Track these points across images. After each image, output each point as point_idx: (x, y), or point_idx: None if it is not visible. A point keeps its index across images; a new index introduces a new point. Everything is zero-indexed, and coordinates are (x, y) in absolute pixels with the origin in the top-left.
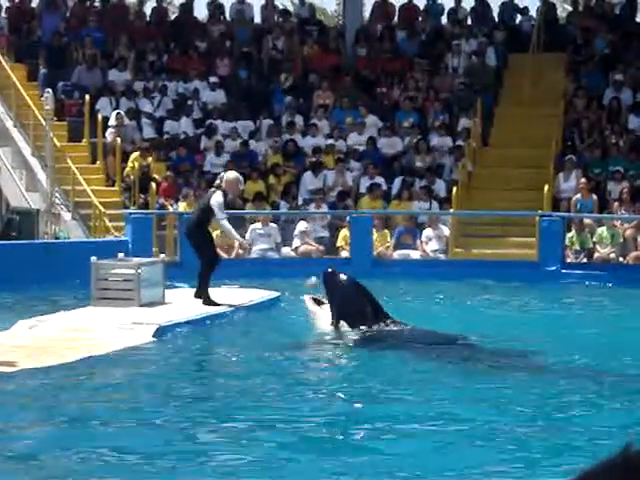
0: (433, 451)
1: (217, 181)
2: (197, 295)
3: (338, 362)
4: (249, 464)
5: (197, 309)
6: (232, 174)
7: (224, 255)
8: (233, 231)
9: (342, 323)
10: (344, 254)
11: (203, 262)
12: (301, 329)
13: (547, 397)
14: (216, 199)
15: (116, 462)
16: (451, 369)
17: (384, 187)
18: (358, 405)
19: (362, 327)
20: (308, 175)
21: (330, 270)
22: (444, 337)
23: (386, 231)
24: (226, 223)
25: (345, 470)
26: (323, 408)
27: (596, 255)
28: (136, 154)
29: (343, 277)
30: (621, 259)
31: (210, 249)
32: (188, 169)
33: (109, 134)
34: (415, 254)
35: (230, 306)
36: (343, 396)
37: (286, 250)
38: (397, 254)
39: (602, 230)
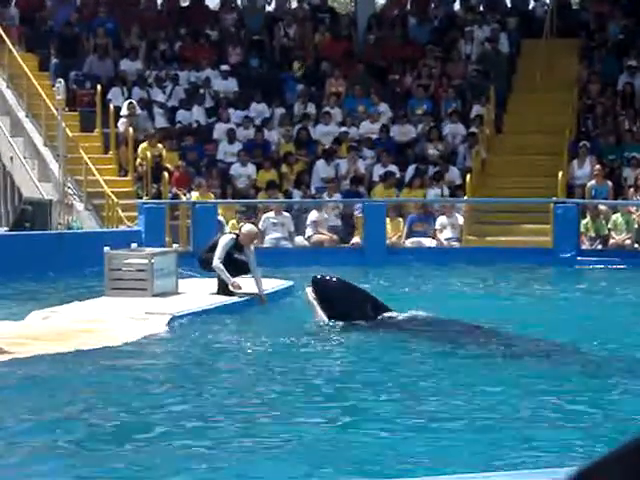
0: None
1: (237, 230)
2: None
3: (333, 355)
4: (262, 452)
5: (210, 299)
6: (247, 227)
7: None
8: (224, 272)
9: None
10: (355, 239)
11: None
12: (311, 320)
13: (559, 382)
14: (223, 240)
15: (128, 451)
16: (458, 357)
17: (397, 175)
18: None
19: (357, 320)
20: (321, 163)
21: (318, 277)
22: (454, 324)
23: (400, 219)
24: (219, 263)
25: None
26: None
27: (611, 241)
28: (144, 144)
29: (331, 283)
30: (636, 245)
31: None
32: (195, 158)
33: (121, 124)
34: (427, 242)
35: (243, 296)
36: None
37: (299, 239)
38: (410, 242)
39: (617, 216)
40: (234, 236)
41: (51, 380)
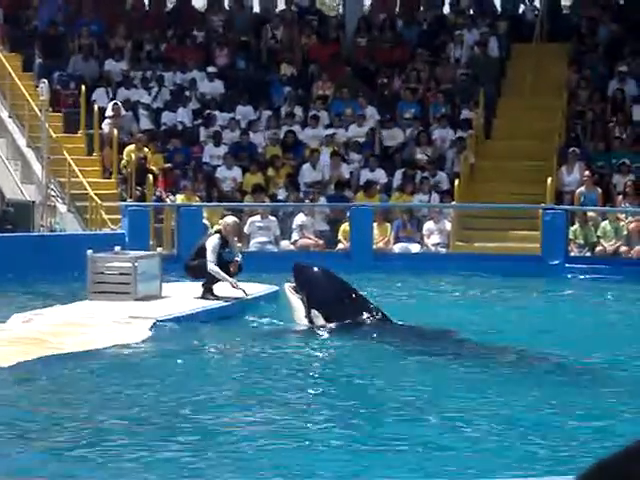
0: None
1: (218, 225)
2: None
3: (308, 358)
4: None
5: (194, 303)
6: (230, 219)
7: None
8: (222, 273)
9: (315, 314)
10: (341, 246)
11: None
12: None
13: (536, 390)
14: (211, 243)
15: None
16: (432, 363)
17: (384, 179)
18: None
19: (337, 320)
20: (307, 167)
21: (300, 263)
22: (430, 332)
23: (387, 224)
24: (214, 267)
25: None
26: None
27: (599, 249)
28: (131, 147)
29: (314, 269)
30: (624, 248)
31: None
32: (180, 160)
33: (106, 125)
34: (415, 247)
35: (227, 300)
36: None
37: (285, 243)
38: (397, 247)
39: (606, 223)
40: (218, 235)
41: (30, 384)
